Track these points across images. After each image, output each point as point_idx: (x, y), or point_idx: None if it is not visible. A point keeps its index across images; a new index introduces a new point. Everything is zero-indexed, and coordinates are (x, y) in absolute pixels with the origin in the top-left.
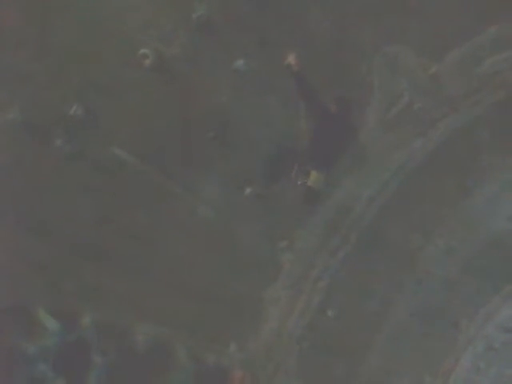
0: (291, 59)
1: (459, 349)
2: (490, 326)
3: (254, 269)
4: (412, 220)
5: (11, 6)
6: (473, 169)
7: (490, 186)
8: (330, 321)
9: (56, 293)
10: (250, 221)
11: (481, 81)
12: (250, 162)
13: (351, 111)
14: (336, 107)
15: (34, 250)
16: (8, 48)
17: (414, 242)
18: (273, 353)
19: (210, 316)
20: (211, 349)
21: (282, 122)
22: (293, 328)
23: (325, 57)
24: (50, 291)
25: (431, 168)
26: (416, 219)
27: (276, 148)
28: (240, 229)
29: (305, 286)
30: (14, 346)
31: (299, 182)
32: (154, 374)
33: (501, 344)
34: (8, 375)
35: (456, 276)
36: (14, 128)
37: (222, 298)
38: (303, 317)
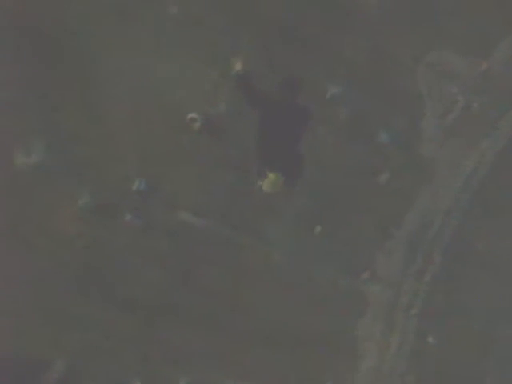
0: (238, 65)
1: None
2: None
3: (339, 306)
4: (499, 224)
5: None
6: None
7: None
8: (432, 348)
9: (148, 364)
10: (325, 258)
11: None
12: (316, 201)
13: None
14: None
15: (122, 323)
16: (66, 139)
17: (504, 248)
18: None
19: (303, 360)
20: None
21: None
22: (393, 362)
23: (369, 82)
24: (142, 363)
25: (506, 166)
26: (503, 222)
27: None
28: (317, 268)
29: (397, 315)
30: None
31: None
32: None
33: None
34: None
35: None
36: (87, 212)
37: (312, 341)
38: (402, 348)
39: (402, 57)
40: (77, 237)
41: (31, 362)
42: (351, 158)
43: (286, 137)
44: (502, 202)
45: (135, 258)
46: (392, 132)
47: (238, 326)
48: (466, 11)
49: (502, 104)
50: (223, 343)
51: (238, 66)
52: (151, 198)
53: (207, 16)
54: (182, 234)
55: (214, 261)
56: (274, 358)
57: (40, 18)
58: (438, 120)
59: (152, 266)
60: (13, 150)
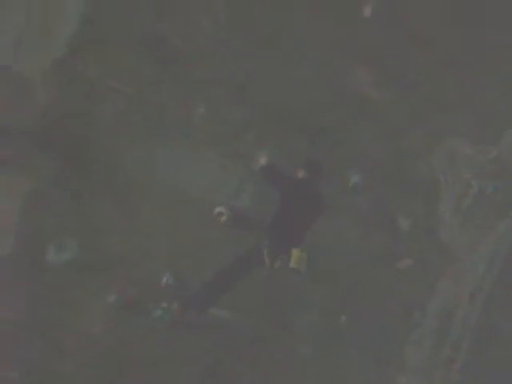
0: (263, 160)
1: None
2: None
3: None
4: None
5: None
6: None
7: None
8: None
9: None
10: (352, 348)
11: None
12: (339, 290)
13: (320, 176)
14: (305, 173)
15: None
16: (96, 235)
17: None
18: None
19: None
20: None
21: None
22: None
23: (385, 167)
24: None
25: None
26: None
27: None
28: (345, 358)
29: None
30: None
31: (276, 266)
32: None
33: None
34: None
35: None
36: (116, 309)
37: None
38: None
39: (416, 147)
40: (104, 335)
41: None
42: (373, 245)
43: (303, 227)
44: None
45: (163, 355)
46: (411, 219)
47: None
48: (474, 103)
49: None
50: None
51: (262, 161)
52: (179, 293)
53: (232, 114)
54: (212, 329)
55: (241, 355)
56: None
57: (70, 119)
58: (455, 205)
59: (179, 362)
60: (44, 248)
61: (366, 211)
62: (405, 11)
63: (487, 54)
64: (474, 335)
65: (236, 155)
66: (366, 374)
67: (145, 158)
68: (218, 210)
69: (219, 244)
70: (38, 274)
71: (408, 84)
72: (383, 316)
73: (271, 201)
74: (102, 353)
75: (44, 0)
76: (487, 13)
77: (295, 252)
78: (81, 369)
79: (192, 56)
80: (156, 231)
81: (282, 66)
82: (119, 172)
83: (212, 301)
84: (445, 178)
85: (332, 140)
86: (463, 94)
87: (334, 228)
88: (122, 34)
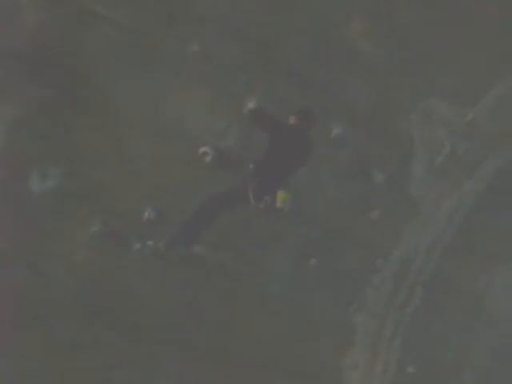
0: (251, 104)
1: None
2: None
3: (329, 336)
4: (475, 261)
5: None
6: None
7: None
8: (411, 377)
9: None
10: (318, 289)
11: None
12: (313, 233)
13: (311, 125)
14: (296, 120)
15: (126, 350)
16: (82, 165)
17: (480, 282)
18: None
19: None
20: None
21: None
22: None
23: (368, 120)
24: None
25: (485, 207)
26: (478, 260)
27: None
28: (310, 299)
29: (381, 346)
30: None
31: (261, 206)
32: None
33: None
34: None
35: None
36: (98, 239)
37: (303, 371)
38: (385, 378)
39: (400, 103)
40: (86, 264)
41: None
42: (348, 195)
43: (289, 171)
44: (480, 241)
45: (142, 286)
46: (386, 172)
47: (234, 354)
48: (456, 65)
49: (483, 150)
50: (217, 369)
51: (250, 105)
52: (159, 227)
53: (225, 55)
54: (188, 264)
55: (217, 290)
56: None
57: (59, 46)
58: (428, 163)
59: (155, 294)
60: (28, 175)
61: (344, 162)
62: None
63: (476, 18)
64: (428, 284)
65: (226, 96)
66: (327, 312)
67: (135, 92)
68: (202, 149)
69: (204, 182)
70: (21, 201)
71: (400, 40)
72: (350, 261)
73: (257, 144)
74: (83, 281)
75: None
76: None
77: (281, 193)
78: (63, 296)
79: None
80: (142, 165)
81: (277, 13)
82: (108, 103)
83: (196, 237)
84: (420, 135)
85: (321, 90)
86: (450, 55)
87: (313, 176)
88: None
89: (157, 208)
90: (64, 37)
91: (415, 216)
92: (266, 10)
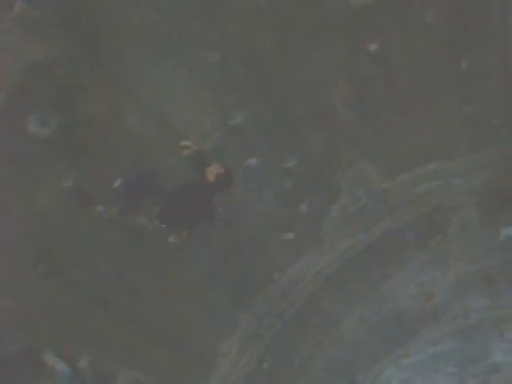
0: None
1: None
2: (377, 382)
3: (217, 326)
4: (341, 295)
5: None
6: (395, 260)
7: (404, 272)
8: (264, 372)
9: (61, 338)
10: (220, 287)
11: (416, 197)
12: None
13: (225, 188)
14: (215, 179)
15: (47, 297)
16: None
17: (338, 311)
18: None
19: (176, 365)
20: None
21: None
22: (235, 379)
23: (316, 165)
24: (56, 336)
25: (365, 256)
26: (345, 293)
27: None
28: (210, 293)
29: (252, 342)
30: None
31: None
32: None
33: None
34: None
35: (362, 340)
36: (67, 194)
37: (187, 350)
38: (245, 369)
39: (343, 160)
40: (46, 212)
41: None
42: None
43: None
44: (351, 279)
45: (91, 245)
46: (312, 206)
47: (145, 325)
48: (395, 143)
49: (383, 213)
50: (128, 336)
51: (238, 119)
52: (124, 200)
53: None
54: (136, 236)
55: (150, 266)
56: (158, 357)
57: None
58: (343, 209)
59: (100, 256)
60: (30, 118)
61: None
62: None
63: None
64: (306, 301)
65: (219, 105)
66: (223, 307)
67: (145, 72)
68: (184, 143)
69: (178, 171)
70: (16, 141)
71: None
72: (254, 268)
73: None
74: (40, 226)
75: None
76: None
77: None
78: (17, 236)
79: None
80: (128, 139)
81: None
82: (119, 72)
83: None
84: (347, 188)
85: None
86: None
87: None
88: None
89: (127, 182)
90: None
91: (317, 245)
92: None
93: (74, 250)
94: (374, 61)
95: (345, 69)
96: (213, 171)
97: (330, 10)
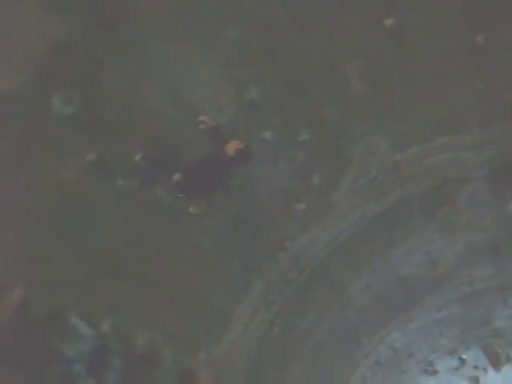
0: (253, 93)
1: (357, 361)
2: (382, 345)
3: (230, 292)
4: (349, 262)
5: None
6: (403, 229)
7: (411, 241)
8: (274, 335)
9: (84, 303)
10: (233, 254)
11: (426, 169)
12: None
13: (244, 162)
14: (234, 154)
15: (71, 264)
16: (100, 98)
17: (346, 278)
18: (229, 360)
19: (191, 327)
20: (187, 354)
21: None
22: (246, 341)
23: (329, 138)
24: (80, 301)
25: (374, 226)
26: (353, 261)
27: None
28: (225, 260)
29: (263, 307)
30: (54, 348)
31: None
32: (148, 373)
33: (385, 359)
34: (46, 374)
35: (368, 305)
36: (90, 168)
37: (202, 314)
38: (256, 332)
39: (355, 131)
40: (69, 183)
41: None
42: (287, 187)
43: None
44: (359, 249)
45: (111, 215)
46: (324, 177)
47: (161, 289)
48: (404, 119)
49: (393, 184)
50: (145, 300)
51: (252, 93)
52: (143, 173)
53: (247, 49)
54: (152, 206)
55: (166, 235)
56: (174, 320)
57: None
58: (354, 180)
59: (118, 225)
60: (53, 96)
61: (297, 161)
62: None
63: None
64: (314, 269)
65: (235, 81)
66: (233, 276)
67: (165, 48)
68: (201, 117)
69: (192, 143)
70: (40, 119)
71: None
72: (265, 237)
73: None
74: (62, 197)
75: None
76: None
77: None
78: (40, 205)
79: None
80: (146, 113)
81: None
82: (138, 38)
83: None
84: (358, 160)
85: (302, 101)
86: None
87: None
88: None
89: (147, 154)
90: None
91: (327, 216)
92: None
93: (96, 220)
94: (389, 36)
95: (360, 44)
96: (233, 146)
97: None
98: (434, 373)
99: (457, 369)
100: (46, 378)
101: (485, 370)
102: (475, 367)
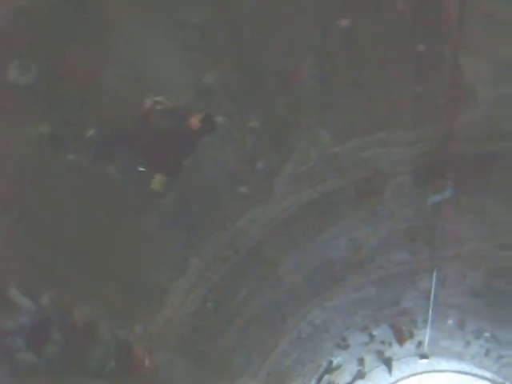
0: (209, 78)
1: (280, 336)
2: (303, 322)
3: (169, 267)
4: (282, 244)
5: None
6: (333, 216)
7: (339, 227)
8: (208, 311)
9: (25, 276)
10: (175, 232)
11: (360, 161)
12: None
13: (210, 130)
14: (200, 125)
15: (13, 237)
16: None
17: (278, 258)
18: (165, 333)
19: (129, 302)
20: (125, 327)
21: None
22: (181, 315)
23: (277, 126)
24: (20, 274)
25: (307, 211)
26: (286, 243)
27: None
28: (166, 238)
29: (199, 283)
30: None
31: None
32: (85, 346)
33: (305, 334)
34: None
35: (295, 284)
36: (41, 140)
37: (140, 288)
38: (191, 307)
39: (302, 124)
40: (25, 158)
41: None
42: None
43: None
44: (292, 232)
45: (59, 191)
46: (270, 163)
47: (101, 262)
48: (347, 112)
49: (329, 173)
50: (85, 274)
51: (209, 79)
52: (96, 148)
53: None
54: (103, 183)
55: (114, 211)
56: (112, 294)
57: None
58: (294, 168)
59: (65, 200)
60: (9, 65)
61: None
62: None
63: None
64: (249, 248)
65: (195, 65)
66: (176, 250)
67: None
68: (158, 98)
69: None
70: None
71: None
72: (210, 217)
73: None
74: (13, 168)
75: None
76: None
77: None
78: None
79: None
80: (102, 87)
81: None
82: (104, 16)
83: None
84: (300, 149)
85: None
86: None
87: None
88: None
89: (101, 130)
90: None
91: (266, 199)
92: None
93: (44, 194)
94: (343, 36)
95: (315, 41)
96: (197, 118)
97: None
98: (346, 347)
99: (366, 344)
100: None
101: (390, 344)
102: (382, 342)
